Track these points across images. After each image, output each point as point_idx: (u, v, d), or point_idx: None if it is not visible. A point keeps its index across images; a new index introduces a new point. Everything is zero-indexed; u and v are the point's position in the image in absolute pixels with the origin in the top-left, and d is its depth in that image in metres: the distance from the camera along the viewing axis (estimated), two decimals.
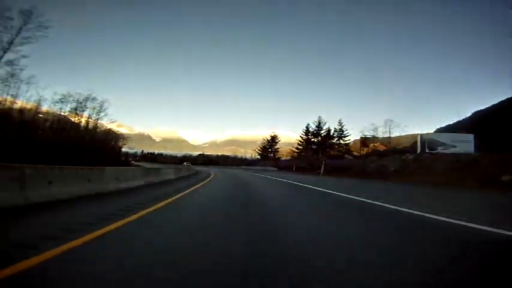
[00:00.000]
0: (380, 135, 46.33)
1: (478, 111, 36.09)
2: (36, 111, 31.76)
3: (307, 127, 61.54)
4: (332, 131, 59.14)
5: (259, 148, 72.13)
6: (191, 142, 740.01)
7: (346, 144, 58.26)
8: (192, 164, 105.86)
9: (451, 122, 37.77)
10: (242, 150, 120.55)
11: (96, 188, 6.60)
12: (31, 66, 37.96)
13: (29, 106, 30.99)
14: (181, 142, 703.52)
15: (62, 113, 35.92)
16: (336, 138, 58.82)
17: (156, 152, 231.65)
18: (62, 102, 35.66)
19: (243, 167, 62.17)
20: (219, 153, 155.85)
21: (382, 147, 44.26)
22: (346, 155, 39.31)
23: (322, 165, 24.63)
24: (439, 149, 27.28)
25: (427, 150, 27.74)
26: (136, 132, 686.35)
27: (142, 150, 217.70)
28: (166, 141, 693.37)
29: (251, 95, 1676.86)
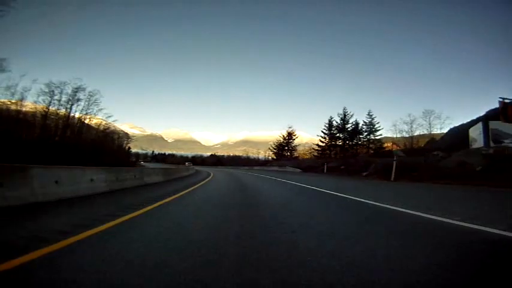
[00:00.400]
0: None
1: None
2: (47, 113, 32.56)
3: (330, 121, 53.08)
4: (360, 125, 50.41)
5: (274, 146, 64.26)
6: (203, 143, 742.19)
7: (378, 141, 49.36)
8: (202, 165, 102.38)
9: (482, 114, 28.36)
10: (254, 150, 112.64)
11: None
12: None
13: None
14: (193, 143, 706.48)
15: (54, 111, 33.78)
16: (366, 133, 50.07)
17: (167, 152, 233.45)
18: (48, 94, 32.18)
19: (256, 167, 54.15)
20: (231, 154, 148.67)
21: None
22: (395, 151, 30.77)
23: (394, 165, 16.53)
24: (506, 142, 21.55)
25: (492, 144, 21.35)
26: (148, 133, 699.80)
27: (153, 151, 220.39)
28: (178, 142, 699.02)
29: (263, 96, 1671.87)
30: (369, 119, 50.20)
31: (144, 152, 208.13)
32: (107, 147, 45.10)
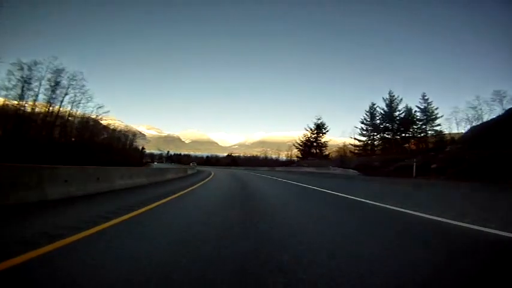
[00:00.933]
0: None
1: None
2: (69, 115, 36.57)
3: (372, 108, 41.38)
4: (414, 111, 38.07)
5: (299, 143, 52.43)
6: (220, 144, 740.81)
7: (439, 132, 36.80)
8: (215, 165, 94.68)
9: None
10: (274, 150, 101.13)
11: None
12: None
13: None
14: (210, 144, 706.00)
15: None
16: (421, 122, 37.68)
17: (183, 153, 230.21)
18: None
19: (278, 168, 42.58)
20: (248, 154, 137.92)
21: None
22: None
23: None
24: None
25: None
26: (165, 134, 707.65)
27: (168, 152, 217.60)
28: (195, 143, 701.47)
29: (280, 97, 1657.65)
30: (424, 105, 37.83)
31: (159, 152, 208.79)
32: (116, 148, 47.68)
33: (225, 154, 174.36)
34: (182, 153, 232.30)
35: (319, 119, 50.64)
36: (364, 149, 40.63)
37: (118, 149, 57.50)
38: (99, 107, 40.29)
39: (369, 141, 41.53)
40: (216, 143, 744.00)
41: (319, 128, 49.89)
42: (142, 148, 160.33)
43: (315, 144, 49.51)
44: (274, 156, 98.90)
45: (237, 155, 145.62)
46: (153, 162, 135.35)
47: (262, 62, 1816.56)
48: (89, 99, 37.22)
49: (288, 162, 51.54)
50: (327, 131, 49.85)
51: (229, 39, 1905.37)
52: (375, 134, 40.60)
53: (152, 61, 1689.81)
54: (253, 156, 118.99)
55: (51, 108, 33.53)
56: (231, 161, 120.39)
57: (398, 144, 37.29)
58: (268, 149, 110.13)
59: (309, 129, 50.88)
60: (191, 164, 62.52)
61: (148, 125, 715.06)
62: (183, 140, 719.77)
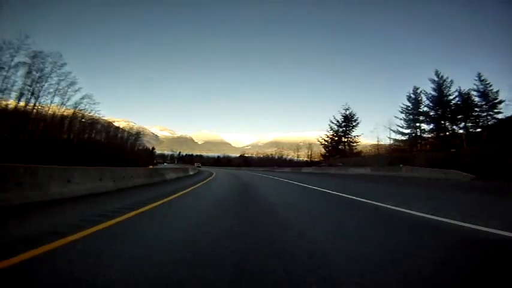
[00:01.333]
0: None
1: None
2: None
3: (415, 92, 33.49)
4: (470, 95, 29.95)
5: (324, 139, 43.18)
6: (233, 145, 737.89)
7: (504, 121, 28.67)
8: (227, 166, 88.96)
9: None
10: (288, 150, 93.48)
11: None
12: None
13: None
14: (223, 145, 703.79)
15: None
16: (481, 108, 29.50)
17: (195, 154, 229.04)
18: None
19: (305, 169, 34.18)
20: (261, 155, 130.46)
21: None
22: None
23: None
24: None
25: None
26: (178, 135, 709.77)
27: (180, 152, 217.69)
28: (208, 143, 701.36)
29: (293, 97, 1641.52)
30: (481, 87, 29.67)
31: (171, 153, 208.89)
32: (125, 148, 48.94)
33: (238, 155, 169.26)
34: (194, 154, 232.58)
35: (347, 109, 42.01)
36: (409, 144, 32.85)
37: (119, 148, 52.79)
38: (83, 98, 34.44)
39: (413, 134, 33.63)
40: (229, 144, 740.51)
41: (348, 120, 41.37)
42: (153, 148, 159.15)
43: (343, 139, 41.25)
44: (289, 157, 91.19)
45: (249, 155, 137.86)
46: (164, 162, 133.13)
47: (274, 63, 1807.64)
48: (72, 86, 31.43)
49: (312, 162, 43.68)
50: (358, 123, 41.36)
51: (245, 41, 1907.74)
52: (421, 124, 32.71)
53: (166, 62, 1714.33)
54: (266, 156, 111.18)
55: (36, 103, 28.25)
56: (243, 161, 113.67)
57: (455, 136, 29.31)
58: (281, 150, 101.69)
59: (335, 122, 42.34)
60: (195, 165, 66.29)
61: (161, 126, 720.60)
62: (196, 141, 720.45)
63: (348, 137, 40.93)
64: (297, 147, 67.20)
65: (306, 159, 56.16)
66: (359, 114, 41.19)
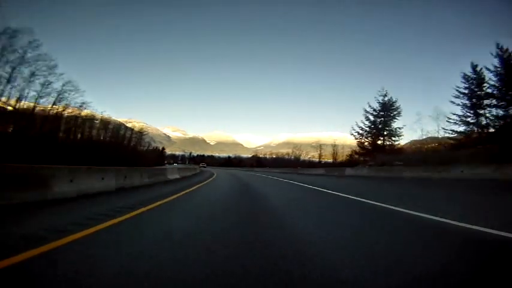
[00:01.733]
0: None
1: None
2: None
3: (475, 71, 24.95)
4: None
5: (359, 132, 34.22)
6: (246, 145, 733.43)
7: None
8: (238, 166, 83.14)
9: None
10: (305, 151, 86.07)
11: None
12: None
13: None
14: (235, 145, 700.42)
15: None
16: None
17: (207, 154, 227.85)
18: None
19: (348, 171, 23.91)
20: (273, 155, 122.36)
21: None
22: None
23: None
24: None
25: None
26: (190, 136, 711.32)
27: (191, 153, 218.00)
28: (221, 144, 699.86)
29: (307, 97, 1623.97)
30: None
31: (182, 154, 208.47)
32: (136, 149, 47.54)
33: (250, 155, 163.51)
34: (206, 154, 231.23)
35: (384, 95, 32.99)
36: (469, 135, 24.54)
37: (118, 148, 47.84)
38: (64, 85, 27.87)
39: (474, 121, 25.26)
40: (241, 145, 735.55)
41: (387, 108, 32.52)
42: (163, 149, 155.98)
43: (383, 132, 32.22)
44: (308, 157, 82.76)
45: (262, 156, 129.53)
46: (174, 163, 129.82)
47: (287, 63, 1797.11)
48: (53, 73, 25.10)
49: (346, 163, 34.93)
50: (399, 112, 32.43)
51: (259, 42, 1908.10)
52: (486, 110, 24.23)
53: (179, 63, 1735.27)
54: (281, 156, 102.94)
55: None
56: (256, 161, 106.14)
57: None
58: (299, 149, 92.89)
59: (371, 111, 33.29)
60: (200, 165, 68.17)
61: (173, 127, 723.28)
62: (208, 141, 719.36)
63: (388, 130, 32.27)
64: (319, 146, 57.92)
65: (334, 158, 47.73)
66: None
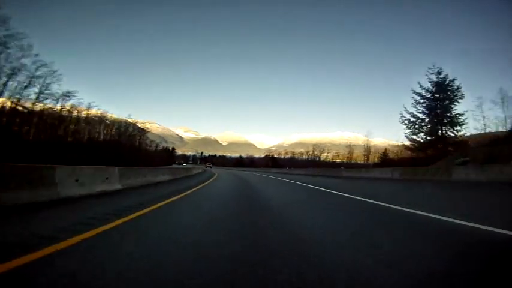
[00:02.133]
0: None
1: None
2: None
3: None
4: None
5: (410, 119, 25.94)
6: (258, 146, 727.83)
7: None
8: (250, 167, 79.73)
9: None
10: (327, 151, 79.36)
11: None
12: None
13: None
14: (248, 146, 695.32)
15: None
16: None
17: (218, 154, 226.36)
18: None
19: (461, 175, 16.67)
20: (288, 155, 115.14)
21: None
22: None
23: None
24: None
25: None
26: (202, 136, 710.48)
27: (202, 153, 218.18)
28: (233, 145, 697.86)
29: (317, 98, 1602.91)
30: None
31: (193, 154, 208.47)
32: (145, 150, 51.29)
33: (262, 155, 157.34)
34: (218, 154, 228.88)
35: (439, 73, 24.77)
36: None
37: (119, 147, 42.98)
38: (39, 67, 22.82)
39: None
40: (254, 145, 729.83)
41: (443, 89, 24.31)
42: (173, 149, 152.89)
43: (443, 119, 23.87)
44: (327, 157, 75.55)
45: (278, 156, 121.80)
46: (184, 163, 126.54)
47: (300, 64, 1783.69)
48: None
49: (397, 162, 26.84)
50: (462, 94, 24.04)
51: (270, 42, 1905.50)
52: None
53: (190, 64, 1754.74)
54: (293, 158, 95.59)
55: None
56: (270, 160, 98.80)
57: None
58: (307, 151, 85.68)
59: (423, 93, 25.29)
60: (207, 165, 70.81)
61: (186, 127, 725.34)
62: (220, 142, 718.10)
63: (449, 117, 24.00)
64: (336, 151, 50.41)
65: (366, 159, 40.08)
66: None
